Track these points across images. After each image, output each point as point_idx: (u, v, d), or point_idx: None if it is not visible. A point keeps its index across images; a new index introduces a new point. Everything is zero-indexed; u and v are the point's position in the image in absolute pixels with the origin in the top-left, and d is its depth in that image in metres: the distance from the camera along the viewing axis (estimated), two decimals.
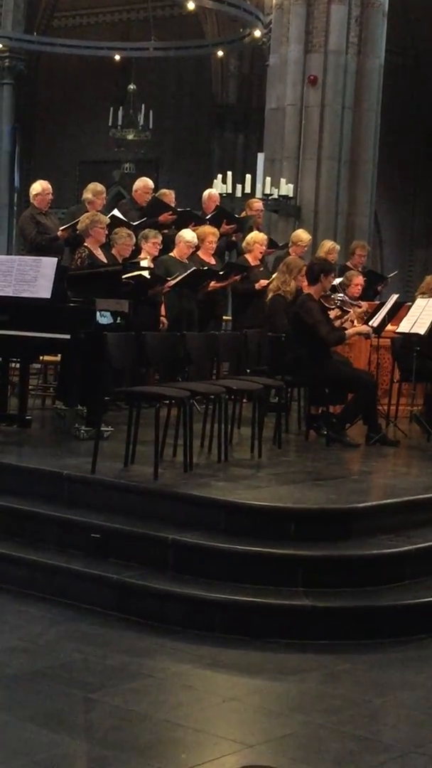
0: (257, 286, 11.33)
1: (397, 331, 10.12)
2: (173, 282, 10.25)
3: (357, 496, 7.15)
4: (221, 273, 11.12)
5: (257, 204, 12.83)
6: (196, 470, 7.47)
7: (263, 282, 11.28)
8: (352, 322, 9.86)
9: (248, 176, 15.10)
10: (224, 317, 12.26)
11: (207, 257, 11.28)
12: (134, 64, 23.95)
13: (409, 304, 10.46)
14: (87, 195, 10.76)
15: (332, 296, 9.78)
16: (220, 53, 22.84)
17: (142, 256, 10.33)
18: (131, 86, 23.13)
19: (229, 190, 14.78)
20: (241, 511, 6.56)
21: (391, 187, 21.80)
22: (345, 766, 4.35)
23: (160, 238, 10.64)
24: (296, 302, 9.66)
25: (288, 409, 9.97)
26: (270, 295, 10.50)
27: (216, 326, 11.55)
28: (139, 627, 5.94)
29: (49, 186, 10.79)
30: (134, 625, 5.98)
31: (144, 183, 11.84)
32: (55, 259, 8.77)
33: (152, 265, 10.29)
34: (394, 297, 10.53)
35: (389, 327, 10.27)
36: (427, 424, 10.04)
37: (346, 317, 9.63)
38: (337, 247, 12.07)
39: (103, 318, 8.45)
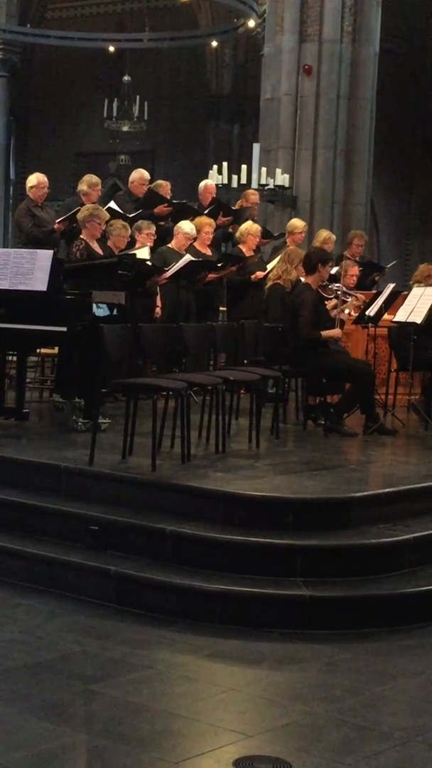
0: (253, 277, 11.32)
1: (394, 320, 10.12)
2: (169, 273, 10.24)
3: (355, 486, 7.15)
4: (218, 264, 11.11)
5: (254, 196, 12.82)
6: (194, 461, 7.47)
7: (259, 274, 11.27)
8: (349, 312, 9.88)
9: (244, 166, 15.08)
10: (221, 308, 12.25)
11: (203, 248, 11.27)
12: (128, 55, 23.91)
13: (406, 293, 10.45)
14: (82, 187, 10.75)
15: (330, 286, 9.78)
16: (214, 43, 22.84)
17: (137, 246, 10.31)
18: (126, 77, 23.09)
19: (225, 181, 14.77)
20: (239, 501, 6.57)
21: (387, 176, 21.80)
22: (345, 755, 4.35)
23: (154, 228, 10.61)
24: (294, 291, 9.67)
25: (285, 399, 9.97)
26: (269, 284, 10.49)
27: (213, 317, 11.54)
28: (138, 618, 5.95)
29: (45, 179, 10.79)
30: (133, 616, 5.98)
31: (140, 174, 11.83)
32: (52, 252, 8.75)
33: (149, 255, 10.28)
34: (391, 286, 10.52)
35: (386, 316, 10.27)
36: (424, 413, 10.05)
37: (342, 307, 9.63)
38: (333, 236, 12.05)
39: (100, 310, 8.44)
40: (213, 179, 13.99)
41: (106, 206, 10.59)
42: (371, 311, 10.08)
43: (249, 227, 11.63)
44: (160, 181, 12.04)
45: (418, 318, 9.78)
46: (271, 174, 14.64)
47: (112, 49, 22.95)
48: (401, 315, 9.98)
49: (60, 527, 6.77)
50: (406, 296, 10.29)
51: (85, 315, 8.32)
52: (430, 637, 5.92)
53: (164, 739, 4.44)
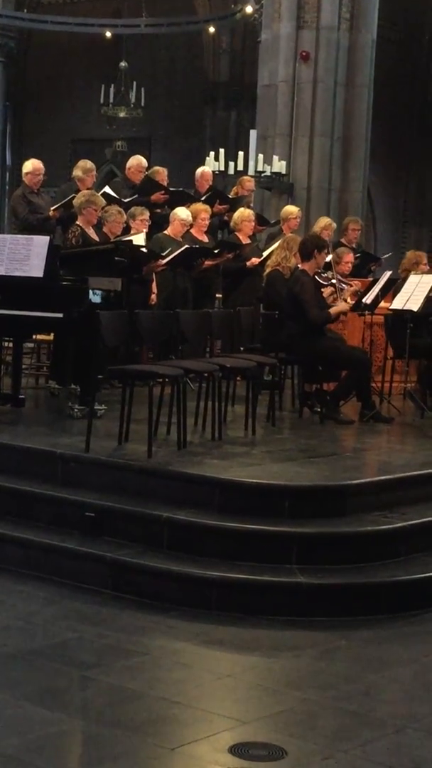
0: (248, 264, 11.30)
1: (390, 307, 10.11)
2: (166, 260, 10.22)
3: (351, 473, 7.15)
4: (215, 251, 11.09)
5: (249, 183, 12.78)
6: (190, 448, 7.46)
7: (255, 260, 11.25)
8: (345, 300, 9.85)
9: (241, 153, 15.06)
10: (218, 295, 12.24)
11: (199, 235, 11.26)
12: (125, 41, 23.82)
13: (399, 281, 10.43)
14: (77, 173, 10.73)
15: (325, 273, 9.77)
16: (211, 30, 22.72)
17: (132, 232, 10.29)
18: (123, 63, 23.00)
19: (222, 168, 14.74)
20: (235, 488, 6.57)
21: (384, 163, 21.74)
22: (340, 742, 4.36)
23: (147, 214, 10.58)
24: (291, 278, 9.65)
25: (282, 386, 9.97)
26: (268, 270, 10.48)
27: (210, 304, 11.53)
28: (134, 605, 5.95)
29: (41, 165, 10.75)
30: (129, 603, 5.99)
31: (137, 161, 11.80)
32: (48, 238, 8.75)
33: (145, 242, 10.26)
34: (387, 274, 10.50)
35: (382, 304, 10.25)
36: (420, 400, 10.05)
37: (338, 295, 9.61)
38: (334, 224, 12.03)
39: (96, 296, 8.43)
40: (210, 166, 13.96)
41: (102, 191, 10.57)
42: (368, 299, 10.06)
43: (243, 214, 11.59)
44: (156, 168, 12.01)
45: (414, 306, 9.78)
46: (267, 161, 14.61)
47: (108, 34, 22.85)
48: (398, 303, 9.97)
49: (56, 514, 6.77)
50: (399, 285, 10.26)
51: (81, 301, 8.30)
52: (426, 625, 5.94)
53: (160, 726, 4.45)
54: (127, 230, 10.32)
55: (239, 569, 6.06)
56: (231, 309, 10.04)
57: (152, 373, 7.52)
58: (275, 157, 14.64)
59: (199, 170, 12.63)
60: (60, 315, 8.28)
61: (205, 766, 4.14)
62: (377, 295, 10.09)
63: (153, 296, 10.61)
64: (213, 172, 13.41)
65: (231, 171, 14.70)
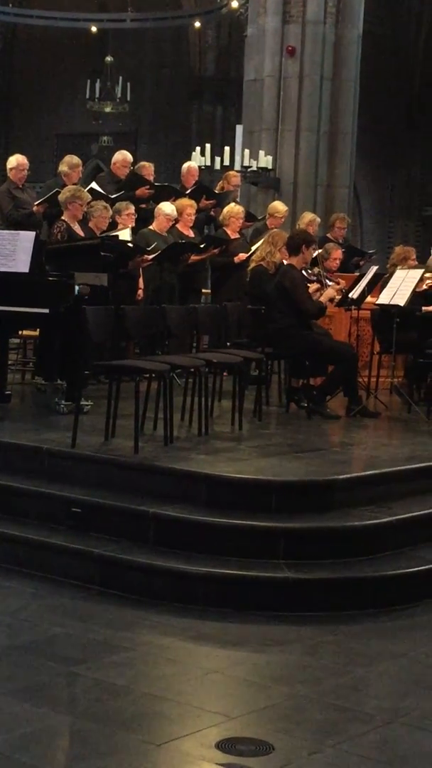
0: (236, 259, 11.29)
1: (377, 302, 10.11)
2: (152, 255, 10.21)
3: (338, 468, 7.16)
4: (201, 246, 11.08)
5: (235, 178, 12.76)
6: (177, 443, 7.46)
7: (242, 255, 11.24)
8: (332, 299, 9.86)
9: (227, 148, 15.02)
10: (204, 290, 12.23)
11: (185, 230, 11.24)
12: (111, 35, 23.77)
13: (387, 276, 10.44)
14: (63, 168, 10.70)
15: (312, 269, 9.77)
16: (197, 24, 22.69)
17: (119, 228, 10.27)
18: (108, 58, 22.96)
19: (208, 163, 14.70)
20: (222, 483, 6.56)
21: (370, 158, 21.76)
22: (328, 737, 4.36)
23: (133, 208, 10.56)
24: (278, 272, 9.65)
25: (268, 381, 9.97)
26: (252, 265, 10.47)
27: (196, 299, 11.51)
28: (121, 600, 5.95)
29: (25, 160, 10.72)
30: (116, 598, 5.98)
31: (123, 156, 11.78)
32: (34, 233, 8.72)
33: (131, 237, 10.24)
34: (374, 269, 10.52)
35: (369, 299, 10.26)
36: (407, 395, 10.06)
37: (324, 292, 9.60)
38: (318, 219, 12.03)
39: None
40: (196, 161, 13.93)
41: (88, 187, 10.54)
42: (354, 294, 10.07)
43: (232, 209, 11.59)
44: (143, 163, 11.99)
45: (401, 301, 9.78)
46: (254, 156, 14.60)
47: (94, 29, 22.79)
48: (384, 298, 9.97)
49: (42, 509, 6.75)
50: (386, 280, 10.28)
51: (67, 297, 8.28)
52: (413, 619, 5.95)
53: (147, 721, 4.44)
54: (113, 225, 10.30)
55: (226, 564, 6.05)
56: (219, 304, 10.03)
57: (139, 369, 7.51)
58: (261, 152, 14.64)
59: (186, 165, 12.61)
60: (46, 310, 8.26)
61: (192, 761, 4.13)
62: (363, 290, 10.10)
63: (140, 291, 10.60)
64: (199, 167, 13.39)
65: (217, 166, 14.68)
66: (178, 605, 5.88)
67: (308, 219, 11.75)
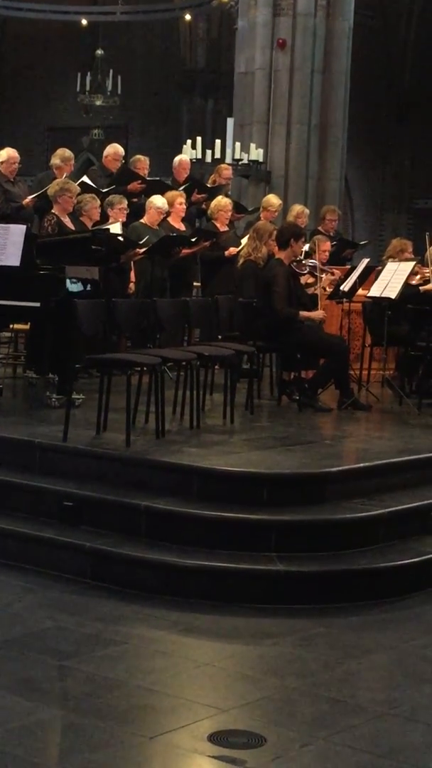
0: (226, 253, 11.28)
1: (368, 295, 10.11)
2: (144, 249, 10.19)
3: (330, 461, 7.16)
4: (192, 240, 11.06)
5: (227, 171, 12.74)
6: (169, 437, 7.46)
7: (233, 249, 11.22)
8: (324, 288, 9.85)
9: (218, 141, 15.02)
10: (195, 283, 12.22)
11: (176, 223, 11.22)
12: (102, 28, 23.70)
13: (380, 268, 10.44)
14: (55, 161, 10.68)
15: (304, 262, 9.75)
16: (188, 17, 22.63)
17: (110, 221, 10.25)
18: (99, 51, 22.89)
19: (199, 156, 14.70)
20: (213, 477, 6.56)
21: (361, 150, 21.74)
22: (320, 729, 4.37)
23: (126, 203, 10.55)
24: (266, 267, 9.63)
25: (260, 374, 9.96)
26: (241, 261, 10.45)
27: (187, 293, 11.50)
28: (113, 594, 5.95)
29: (16, 153, 10.69)
30: (108, 592, 5.98)
31: (114, 150, 11.75)
32: (25, 227, 8.68)
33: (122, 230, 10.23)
34: (365, 261, 10.51)
35: (360, 291, 10.26)
36: (398, 388, 10.06)
37: (318, 285, 9.60)
38: (307, 210, 12.02)
39: (73, 285, 8.39)
40: (187, 154, 13.92)
41: (80, 180, 10.52)
42: (345, 286, 10.07)
43: (219, 203, 11.57)
44: (138, 156, 11.96)
45: (392, 293, 9.78)
46: (245, 149, 14.59)
47: (85, 22, 22.71)
48: (375, 290, 9.97)
49: (34, 503, 6.75)
50: (379, 272, 10.28)
51: (59, 290, 8.27)
52: (404, 612, 5.96)
53: (139, 714, 4.44)
54: (105, 218, 10.28)
55: (218, 557, 6.06)
56: (209, 297, 10.02)
57: (130, 362, 7.51)
58: (252, 145, 14.63)
59: (177, 159, 12.58)
60: (37, 304, 8.24)
61: (184, 754, 4.14)
62: (355, 283, 10.10)
63: (131, 285, 10.59)
64: (190, 160, 13.38)
65: (208, 159, 14.67)
66: (170, 598, 5.88)
67: (296, 211, 11.74)
